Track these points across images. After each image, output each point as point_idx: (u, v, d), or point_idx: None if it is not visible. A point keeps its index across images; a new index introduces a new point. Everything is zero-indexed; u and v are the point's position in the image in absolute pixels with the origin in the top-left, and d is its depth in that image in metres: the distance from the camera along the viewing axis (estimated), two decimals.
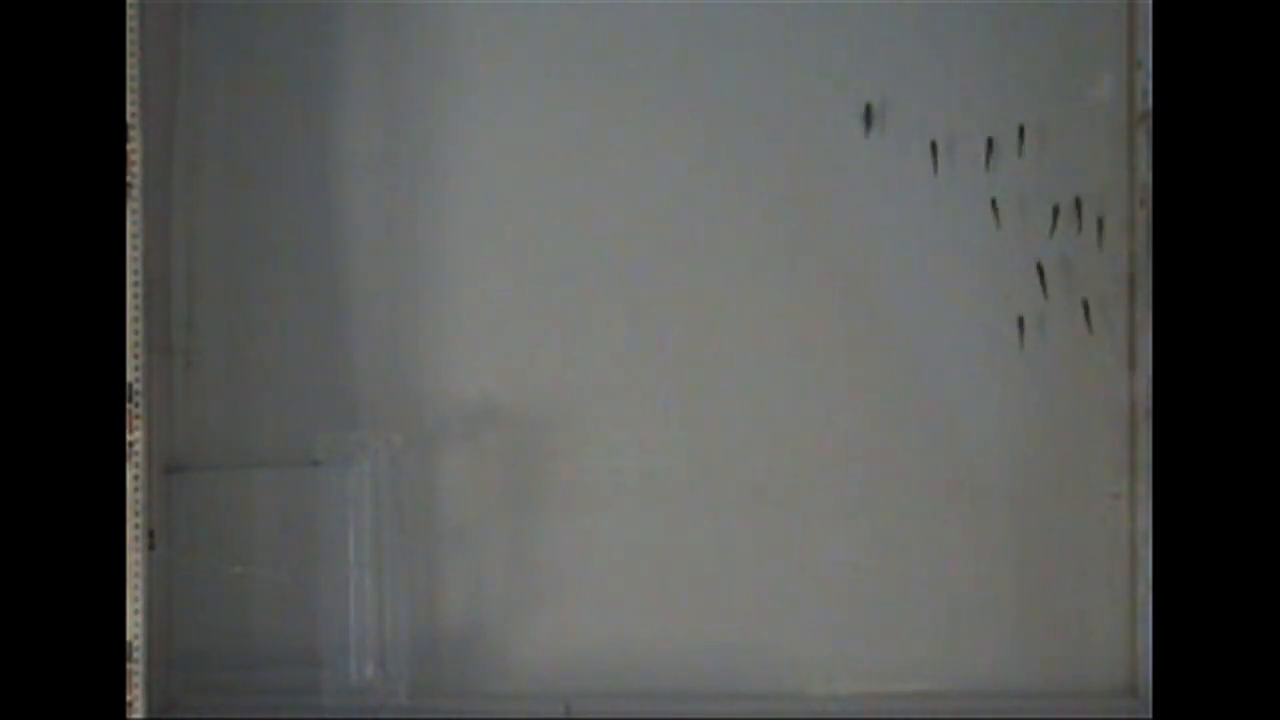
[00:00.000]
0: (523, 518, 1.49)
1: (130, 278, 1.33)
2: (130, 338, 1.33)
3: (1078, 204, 1.45)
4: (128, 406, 1.32)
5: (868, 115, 1.47)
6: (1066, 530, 1.47)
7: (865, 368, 1.48)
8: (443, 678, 1.49)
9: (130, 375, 1.33)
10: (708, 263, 1.48)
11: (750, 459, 1.48)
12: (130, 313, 1.33)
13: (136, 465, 1.34)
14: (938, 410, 1.48)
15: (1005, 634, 1.48)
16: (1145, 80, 1.43)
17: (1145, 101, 1.43)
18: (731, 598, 1.48)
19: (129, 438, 1.33)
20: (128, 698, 1.32)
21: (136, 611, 1.33)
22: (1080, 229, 1.45)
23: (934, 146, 1.46)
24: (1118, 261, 1.46)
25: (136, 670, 1.33)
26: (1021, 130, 1.45)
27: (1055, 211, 1.45)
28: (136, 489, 1.34)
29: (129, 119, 1.33)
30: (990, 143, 1.45)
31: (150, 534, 1.38)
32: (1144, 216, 1.44)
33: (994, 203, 1.45)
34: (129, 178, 1.33)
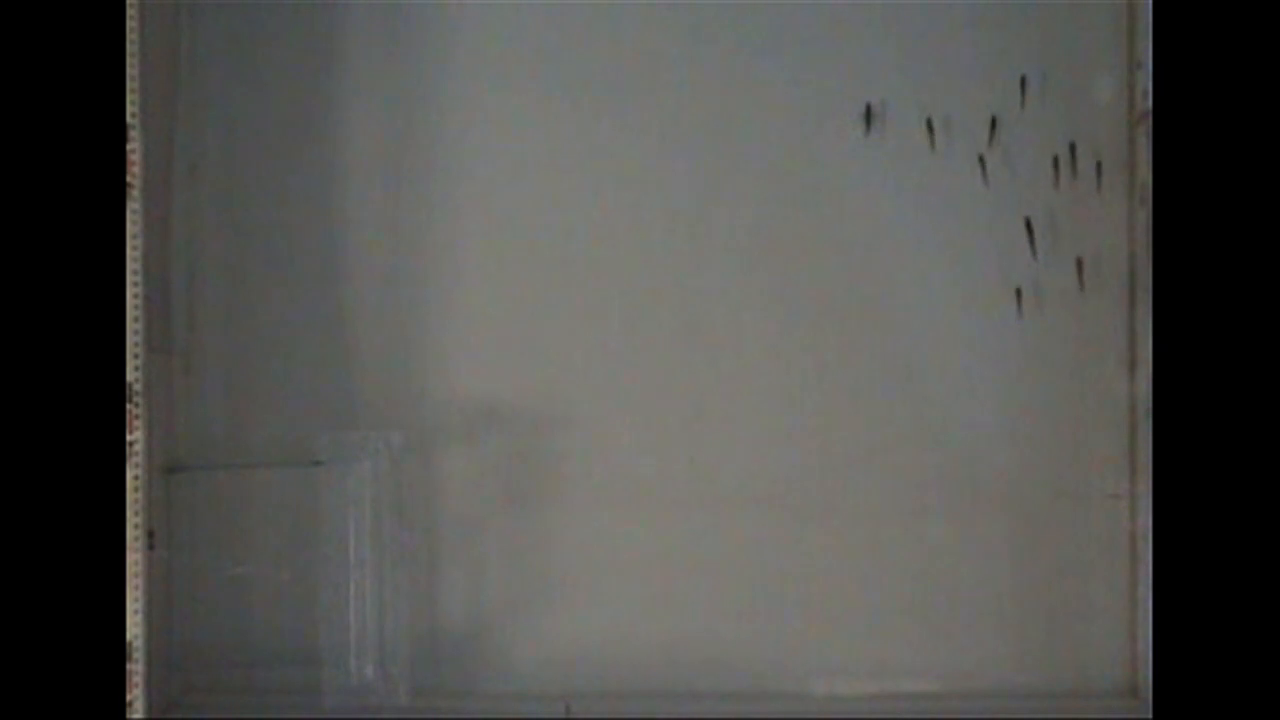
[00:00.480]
0: (523, 518, 1.49)
1: (130, 278, 1.33)
2: (130, 338, 1.33)
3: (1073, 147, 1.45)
4: (128, 406, 1.32)
5: (868, 115, 1.47)
6: (1066, 530, 1.47)
7: (865, 366, 1.48)
8: (443, 678, 1.49)
9: (130, 375, 1.33)
10: (708, 262, 1.48)
11: (750, 459, 1.48)
12: (130, 313, 1.33)
13: (136, 465, 1.34)
14: (938, 410, 1.47)
15: (1005, 634, 1.48)
16: (1145, 80, 1.43)
17: (1145, 101, 1.43)
18: (731, 598, 1.48)
19: (129, 438, 1.33)
20: (128, 698, 1.32)
21: (136, 611, 1.33)
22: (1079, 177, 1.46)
23: (929, 123, 1.46)
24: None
25: (136, 670, 1.33)
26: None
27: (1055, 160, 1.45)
28: (136, 489, 1.34)
29: (129, 119, 1.33)
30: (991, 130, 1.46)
31: (150, 534, 1.38)
32: (1144, 216, 1.44)
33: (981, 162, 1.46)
34: (129, 178, 1.33)
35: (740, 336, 1.48)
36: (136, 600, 1.33)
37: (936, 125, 1.46)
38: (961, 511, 1.48)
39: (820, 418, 1.48)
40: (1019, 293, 1.46)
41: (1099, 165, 1.46)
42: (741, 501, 1.48)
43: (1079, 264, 1.46)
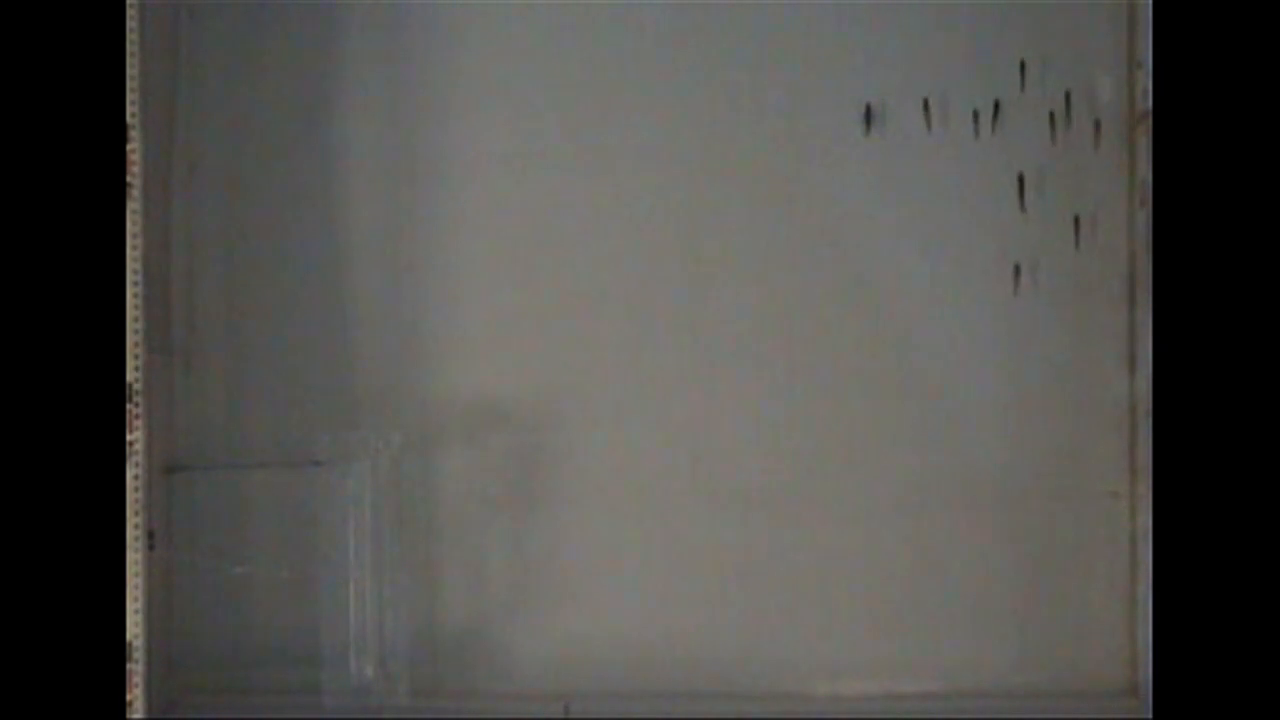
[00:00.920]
0: (523, 518, 1.49)
1: (130, 278, 1.33)
2: (130, 338, 1.33)
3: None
4: (128, 406, 1.32)
5: (867, 116, 1.47)
6: (1066, 530, 1.47)
7: (865, 364, 1.48)
8: (443, 678, 1.49)
9: (130, 375, 1.33)
10: (709, 262, 1.48)
11: (750, 459, 1.48)
12: (130, 313, 1.33)
13: (136, 465, 1.34)
14: (939, 409, 1.47)
15: (1005, 634, 1.48)
16: (1145, 80, 1.43)
17: (1145, 101, 1.43)
18: (731, 598, 1.48)
19: (129, 438, 1.33)
20: (128, 698, 1.32)
21: (136, 611, 1.33)
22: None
23: (925, 104, 1.46)
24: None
25: (136, 670, 1.33)
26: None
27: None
28: (136, 489, 1.34)
29: (129, 119, 1.33)
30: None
31: (150, 534, 1.38)
32: (1144, 217, 1.44)
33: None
34: (129, 178, 1.33)
35: (740, 336, 1.48)
36: (136, 600, 1.33)
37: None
38: (961, 510, 1.48)
39: (821, 414, 1.48)
40: (1017, 268, 1.46)
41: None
42: (741, 502, 1.48)
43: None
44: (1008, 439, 1.47)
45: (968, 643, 1.48)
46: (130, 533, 1.33)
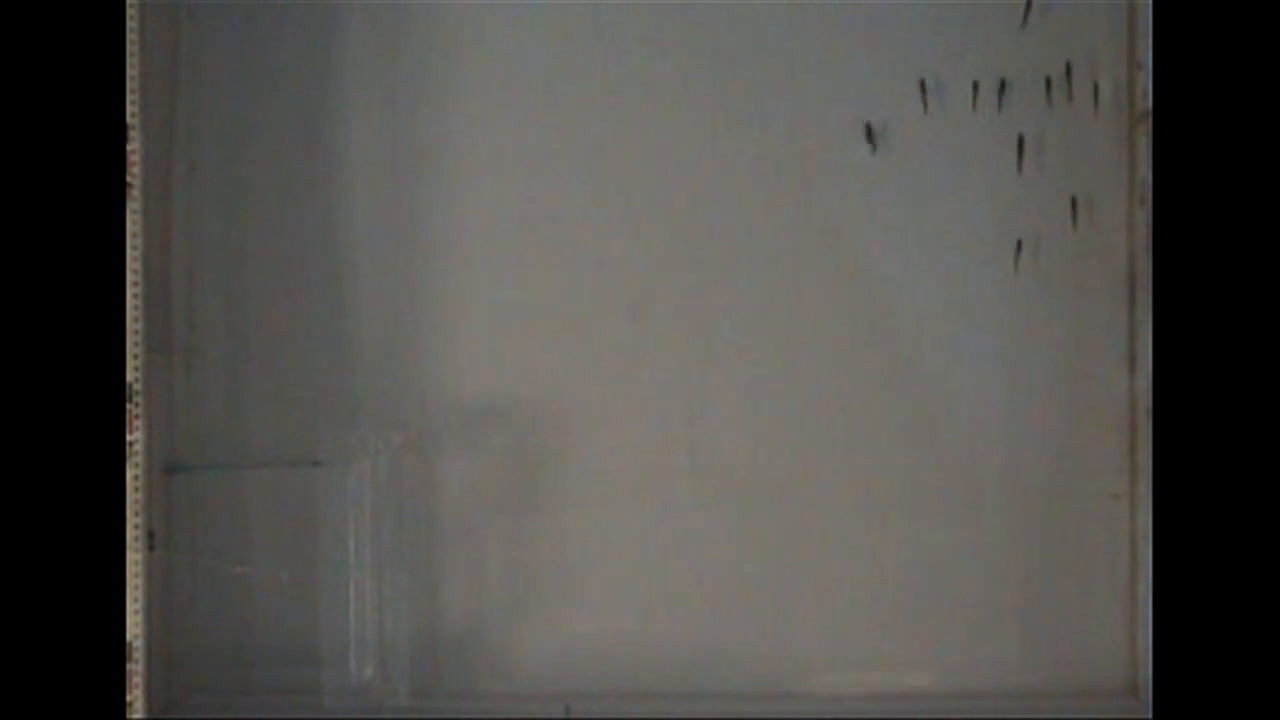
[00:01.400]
0: (523, 518, 1.49)
1: (130, 278, 1.33)
2: (130, 338, 1.33)
3: None
4: (128, 406, 1.32)
5: (869, 134, 1.47)
6: (1066, 530, 1.47)
7: (865, 363, 1.48)
8: (443, 678, 1.49)
9: (130, 375, 1.33)
10: (709, 261, 1.48)
11: (750, 458, 1.48)
12: (130, 313, 1.33)
13: (136, 465, 1.34)
14: (940, 408, 1.47)
15: (1005, 633, 1.48)
16: (1145, 80, 1.43)
17: (1145, 101, 1.43)
18: (731, 597, 1.48)
19: (129, 438, 1.33)
20: (128, 698, 1.32)
21: (136, 611, 1.33)
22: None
23: (922, 85, 1.46)
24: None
25: (136, 670, 1.33)
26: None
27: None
28: (136, 489, 1.34)
29: (129, 119, 1.33)
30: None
31: (150, 534, 1.38)
32: (1144, 217, 1.44)
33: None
34: (129, 178, 1.33)
35: (740, 335, 1.48)
36: (136, 600, 1.33)
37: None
38: (961, 510, 1.48)
39: (821, 414, 1.48)
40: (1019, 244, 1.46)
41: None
42: (741, 502, 1.48)
43: None
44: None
45: (968, 642, 1.48)
46: (130, 533, 1.33)
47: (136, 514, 1.34)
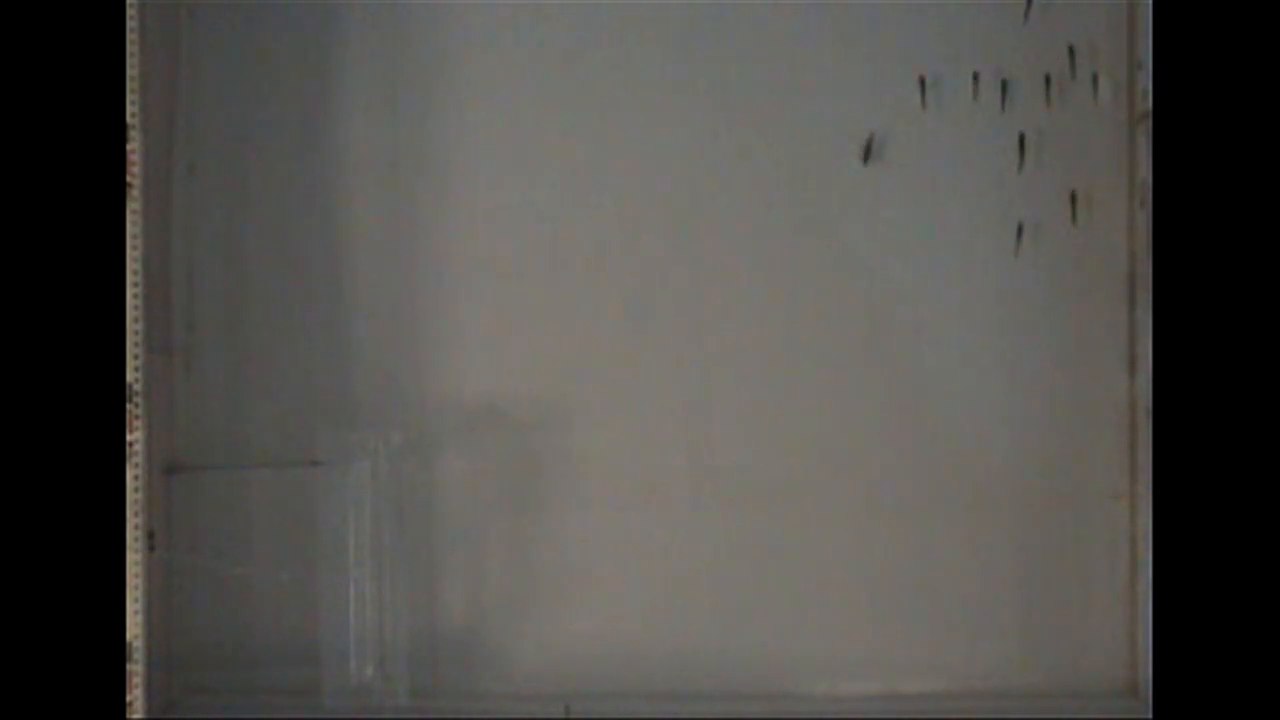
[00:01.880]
0: (523, 518, 1.49)
1: (130, 278, 1.33)
2: (130, 338, 1.33)
3: None
4: (128, 406, 1.32)
5: (867, 148, 1.47)
6: (1066, 530, 1.47)
7: (865, 363, 1.48)
8: (443, 678, 1.49)
9: (130, 375, 1.33)
10: (708, 261, 1.48)
11: (750, 458, 1.48)
12: (130, 313, 1.33)
13: (136, 465, 1.34)
14: (939, 408, 1.47)
15: (1005, 634, 1.48)
16: (1145, 80, 1.43)
17: (1145, 101, 1.43)
18: (731, 598, 1.48)
19: (129, 438, 1.33)
20: (128, 698, 1.32)
21: (136, 611, 1.33)
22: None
23: (922, 82, 1.46)
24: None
25: (136, 670, 1.33)
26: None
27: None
28: (136, 489, 1.34)
29: (129, 119, 1.33)
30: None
31: (150, 534, 1.38)
32: (1144, 217, 1.44)
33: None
34: (129, 178, 1.33)
35: (740, 335, 1.48)
36: (136, 600, 1.33)
37: None
38: (962, 510, 1.48)
39: (821, 414, 1.48)
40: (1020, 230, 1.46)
41: None
42: (742, 502, 1.48)
43: None
44: None
45: (968, 642, 1.48)
46: (130, 533, 1.33)
47: (136, 514, 1.34)
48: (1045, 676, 1.47)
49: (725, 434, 1.48)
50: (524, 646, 1.50)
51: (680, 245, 1.49)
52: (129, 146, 1.32)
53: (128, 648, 1.32)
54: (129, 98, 1.32)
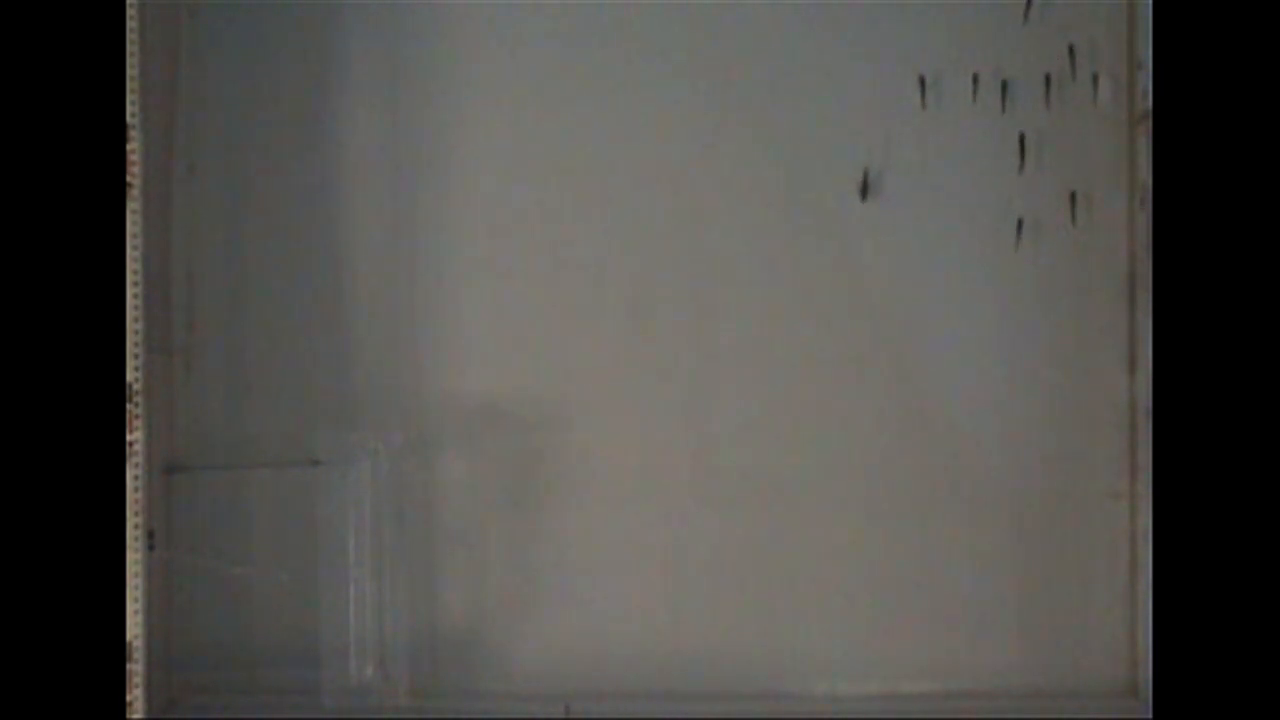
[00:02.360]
0: (523, 518, 1.49)
1: (130, 278, 1.33)
2: (130, 338, 1.33)
3: None
4: (128, 406, 1.32)
5: (864, 185, 1.47)
6: (1066, 530, 1.47)
7: (866, 364, 1.48)
8: (443, 678, 1.49)
9: (130, 375, 1.33)
10: (708, 260, 1.49)
11: (750, 458, 1.48)
12: (130, 313, 1.33)
13: (136, 465, 1.34)
14: (940, 408, 1.48)
15: (1005, 634, 1.48)
16: (1145, 80, 1.43)
17: (1145, 101, 1.43)
18: (731, 598, 1.48)
19: (129, 438, 1.33)
20: (128, 698, 1.32)
21: (136, 611, 1.33)
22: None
23: (922, 82, 1.46)
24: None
25: (136, 670, 1.33)
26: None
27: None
28: (136, 489, 1.34)
29: (129, 119, 1.33)
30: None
31: (150, 534, 1.38)
32: (1144, 217, 1.44)
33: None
34: (129, 178, 1.33)
35: (740, 334, 1.48)
36: (136, 600, 1.33)
37: None
38: (962, 510, 1.48)
39: (821, 415, 1.48)
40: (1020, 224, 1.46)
41: None
42: (742, 502, 1.48)
43: None
44: None
45: (968, 642, 1.48)
46: (130, 533, 1.33)
47: (136, 514, 1.34)
48: (1045, 676, 1.47)
49: (725, 434, 1.48)
50: (524, 646, 1.50)
51: (681, 244, 1.49)
52: (129, 146, 1.32)
53: (128, 648, 1.32)
54: (129, 98, 1.32)
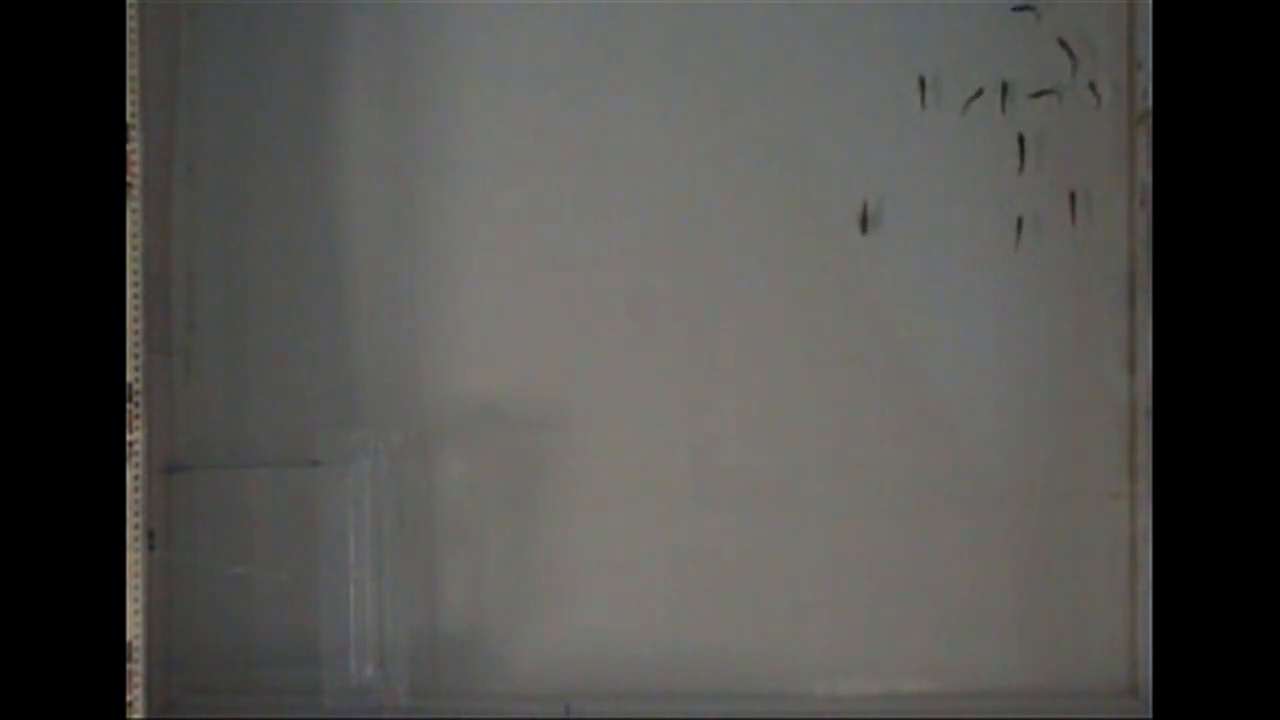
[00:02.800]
0: (523, 518, 1.49)
1: (130, 278, 1.33)
2: (130, 338, 1.33)
3: None
4: (128, 406, 1.32)
5: (864, 217, 1.47)
6: (1066, 530, 1.47)
7: (866, 364, 1.48)
8: (443, 678, 1.49)
9: (130, 375, 1.33)
10: (708, 259, 1.48)
11: (750, 458, 1.48)
12: (130, 313, 1.33)
13: (136, 465, 1.34)
14: (940, 408, 1.47)
15: (1005, 634, 1.48)
16: (1145, 80, 1.43)
17: (1145, 101, 1.43)
18: (732, 598, 1.48)
19: (129, 438, 1.33)
20: (128, 698, 1.32)
21: (136, 611, 1.33)
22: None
23: (922, 82, 1.46)
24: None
25: (136, 670, 1.33)
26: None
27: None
28: (136, 489, 1.34)
29: (129, 119, 1.33)
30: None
31: (150, 534, 1.38)
32: (1144, 217, 1.44)
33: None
34: (129, 178, 1.33)
35: (740, 334, 1.48)
36: (136, 600, 1.33)
37: None
38: (961, 510, 1.48)
39: (821, 416, 1.48)
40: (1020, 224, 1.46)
41: None
42: (742, 502, 1.48)
43: None
44: None
45: (967, 642, 1.48)
46: (130, 533, 1.33)
47: (136, 514, 1.34)
48: (1045, 676, 1.47)
49: (726, 433, 1.48)
50: (524, 646, 1.50)
51: (681, 244, 1.49)
52: (129, 146, 1.32)
53: (128, 648, 1.32)
54: (129, 98, 1.32)
